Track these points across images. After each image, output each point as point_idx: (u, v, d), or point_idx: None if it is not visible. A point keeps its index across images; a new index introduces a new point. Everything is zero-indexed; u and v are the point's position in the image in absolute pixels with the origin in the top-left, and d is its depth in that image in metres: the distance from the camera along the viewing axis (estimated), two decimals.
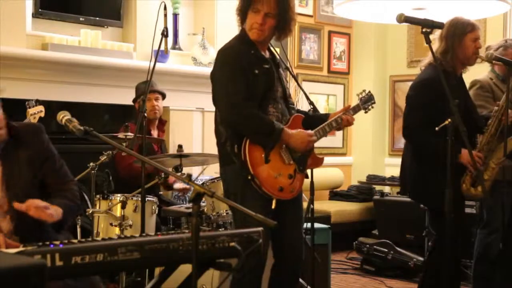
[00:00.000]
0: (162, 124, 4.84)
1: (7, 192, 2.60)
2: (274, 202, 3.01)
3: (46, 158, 2.75)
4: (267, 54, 3.19)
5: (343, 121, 3.25)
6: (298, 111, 3.33)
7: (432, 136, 3.31)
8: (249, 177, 2.97)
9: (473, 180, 3.53)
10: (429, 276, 3.65)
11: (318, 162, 3.28)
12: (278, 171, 3.04)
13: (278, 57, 3.27)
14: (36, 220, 2.51)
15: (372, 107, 3.51)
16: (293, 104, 3.29)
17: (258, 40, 3.09)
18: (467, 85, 3.89)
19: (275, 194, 3.02)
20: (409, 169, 3.67)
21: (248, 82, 3.00)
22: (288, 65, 3.44)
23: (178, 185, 4.77)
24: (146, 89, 3.65)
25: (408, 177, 3.69)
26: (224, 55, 3.10)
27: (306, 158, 3.17)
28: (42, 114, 3.94)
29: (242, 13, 3.11)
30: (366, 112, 3.50)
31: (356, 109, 3.40)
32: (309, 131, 3.15)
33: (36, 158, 2.71)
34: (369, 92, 3.50)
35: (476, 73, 4.03)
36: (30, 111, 3.89)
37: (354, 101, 3.54)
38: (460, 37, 3.54)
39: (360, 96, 3.46)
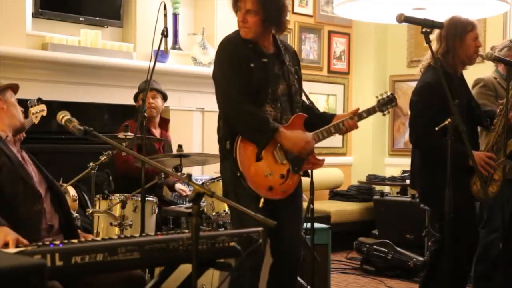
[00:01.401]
0: (165, 123, 4.82)
1: (45, 181, 2.74)
2: (262, 201, 2.96)
3: None
4: (270, 49, 3.13)
5: (345, 126, 3.18)
6: (307, 107, 3.27)
7: (442, 138, 3.18)
8: (238, 174, 2.97)
9: (483, 181, 3.46)
10: (432, 278, 3.63)
11: (318, 164, 3.20)
12: (269, 170, 3.02)
13: (287, 53, 3.19)
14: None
15: (393, 108, 3.40)
16: (299, 102, 3.21)
17: (246, 37, 3.04)
18: (471, 83, 3.87)
19: (263, 193, 2.99)
20: (420, 174, 3.56)
21: (243, 76, 2.98)
22: None
23: (179, 185, 4.75)
24: (146, 88, 3.65)
25: (419, 182, 3.58)
26: (222, 48, 3.09)
27: (302, 159, 3.11)
28: (44, 113, 3.92)
29: (235, 12, 3.09)
30: (384, 115, 3.39)
31: (370, 112, 3.30)
32: (307, 134, 3.10)
33: None
34: (391, 94, 3.36)
35: (476, 72, 4.01)
36: (32, 109, 3.87)
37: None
38: (461, 36, 3.49)
39: (379, 98, 3.34)
